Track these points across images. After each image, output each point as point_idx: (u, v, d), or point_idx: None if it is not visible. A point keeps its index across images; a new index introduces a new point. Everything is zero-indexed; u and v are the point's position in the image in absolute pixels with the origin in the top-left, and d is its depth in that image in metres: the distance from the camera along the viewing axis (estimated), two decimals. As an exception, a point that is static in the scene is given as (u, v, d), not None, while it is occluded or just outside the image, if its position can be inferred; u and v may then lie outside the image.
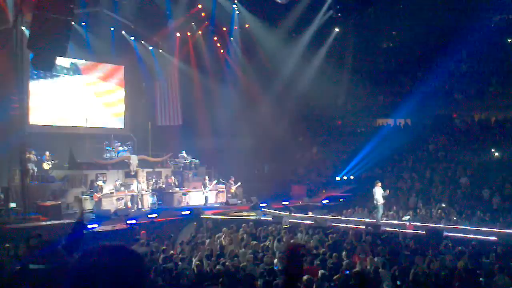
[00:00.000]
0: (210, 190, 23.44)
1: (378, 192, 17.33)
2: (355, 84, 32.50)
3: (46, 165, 19.97)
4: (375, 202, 17.60)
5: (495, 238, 13.76)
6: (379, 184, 17.53)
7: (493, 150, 24.84)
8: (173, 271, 10.59)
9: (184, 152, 25.01)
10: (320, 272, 9.65)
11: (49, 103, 23.74)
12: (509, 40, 30.83)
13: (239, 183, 24.66)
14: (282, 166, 30.38)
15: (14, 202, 17.52)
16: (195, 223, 18.15)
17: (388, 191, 17.67)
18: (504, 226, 16.67)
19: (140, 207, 20.75)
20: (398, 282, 9.53)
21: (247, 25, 28.91)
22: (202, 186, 23.31)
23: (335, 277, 9.33)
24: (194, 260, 11.73)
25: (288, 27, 28.33)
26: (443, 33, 29.82)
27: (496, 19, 31.60)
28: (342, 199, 23.12)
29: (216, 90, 29.20)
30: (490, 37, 29.37)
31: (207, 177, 23.96)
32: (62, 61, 22.54)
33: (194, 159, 25.32)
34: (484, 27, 28.69)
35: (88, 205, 19.47)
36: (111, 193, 20.55)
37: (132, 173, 22.32)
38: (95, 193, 19.67)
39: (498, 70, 29.18)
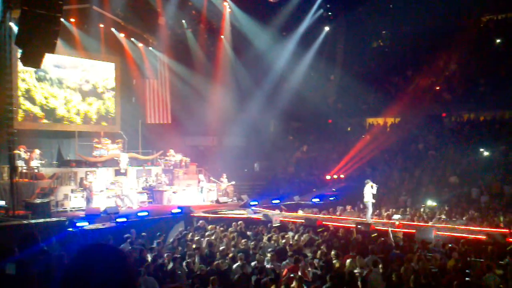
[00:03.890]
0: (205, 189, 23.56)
1: (368, 191, 17.43)
2: (346, 83, 32.59)
3: (35, 163, 19.79)
4: (364, 201, 17.70)
5: (484, 236, 13.85)
6: (369, 183, 17.60)
7: (482, 149, 25.05)
8: (164, 270, 10.54)
9: (172, 150, 24.91)
10: (307, 271, 9.68)
11: (38, 100, 23.54)
12: (498, 40, 31.08)
13: (233, 182, 24.67)
14: (272, 165, 30.42)
15: (2, 200, 17.36)
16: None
17: (375, 186, 17.59)
18: (493, 224, 16.79)
19: (130, 205, 20.64)
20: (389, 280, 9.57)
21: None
22: (199, 184, 23.38)
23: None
24: (184, 259, 11.70)
25: (279, 26, 28.35)
26: (433, 32, 29.99)
27: (485, 19, 31.87)
28: (332, 198, 23.18)
29: (207, 88, 29.14)
30: (479, 37, 29.61)
31: (201, 176, 23.97)
32: (51, 58, 22.32)
33: (184, 157, 25.23)
34: (473, 27, 28.93)
35: (79, 203, 19.41)
36: (101, 191, 20.43)
37: (122, 171, 22.19)
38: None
39: (487, 70, 29.39)
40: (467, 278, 9.68)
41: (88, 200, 19.30)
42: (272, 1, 25.10)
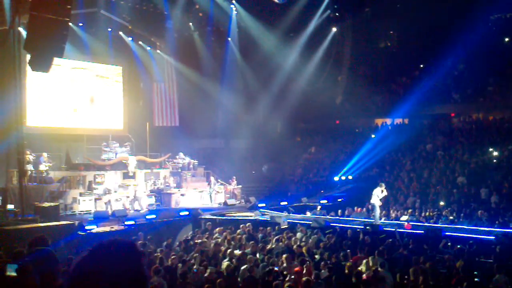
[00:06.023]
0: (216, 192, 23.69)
1: (376, 193, 17.27)
2: (353, 83, 32.51)
3: (43, 167, 19.92)
4: (371, 202, 17.61)
5: (493, 237, 13.76)
6: (382, 186, 17.40)
7: (491, 149, 24.86)
8: (172, 272, 10.57)
9: (181, 153, 25.00)
10: (315, 273, 9.66)
11: (46, 104, 23.70)
12: (507, 39, 30.87)
13: (240, 186, 24.76)
14: (280, 167, 30.39)
15: (12, 204, 17.48)
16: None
17: (385, 191, 17.50)
18: (502, 225, 16.68)
19: (138, 208, 20.71)
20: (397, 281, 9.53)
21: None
22: (208, 186, 23.74)
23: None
24: (192, 261, 11.72)
25: (286, 27, 28.32)
26: (441, 32, 29.83)
27: (493, 18, 31.66)
28: (340, 199, 23.12)
29: (214, 90, 29.19)
30: (487, 36, 29.41)
31: (212, 178, 24.12)
32: (59, 62, 22.47)
33: (192, 160, 25.31)
34: (481, 26, 28.74)
35: (88, 206, 19.51)
36: (115, 191, 20.66)
37: (130, 174, 22.29)
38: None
39: (496, 69, 29.19)
40: (476, 279, 9.61)
41: (107, 204, 19.52)
42: (279, 2, 25.06)
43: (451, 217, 18.26)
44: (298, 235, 14.90)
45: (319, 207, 21.45)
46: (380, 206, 17.68)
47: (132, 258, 1.85)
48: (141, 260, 1.89)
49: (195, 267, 11.20)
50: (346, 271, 10.09)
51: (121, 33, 26.28)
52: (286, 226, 16.50)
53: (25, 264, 4.03)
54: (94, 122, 25.53)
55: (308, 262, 10.54)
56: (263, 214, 19.39)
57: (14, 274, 4.20)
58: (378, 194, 17.19)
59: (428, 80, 30.10)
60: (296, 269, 10.32)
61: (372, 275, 9.50)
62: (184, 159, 24.87)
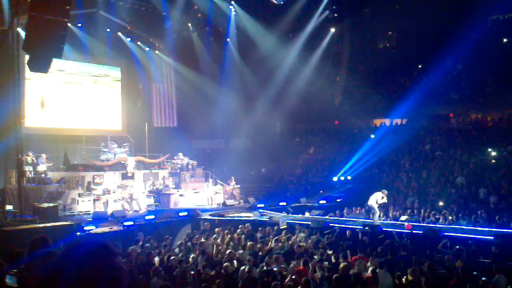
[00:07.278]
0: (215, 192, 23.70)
1: (376, 197, 17.17)
2: (352, 84, 32.54)
3: (42, 167, 19.89)
4: (368, 203, 17.54)
5: (492, 237, 13.77)
6: (384, 193, 17.26)
7: (489, 149, 24.92)
8: (171, 273, 10.56)
9: (181, 153, 24.97)
10: (320, 273, 9.67)
11: (45, 105, 23.66)
12: (505, 40, 30.91)
13: (239, 186, 24.73)
14: (279, 167, 30.40)
15: (10, 204, 17.45)
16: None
17: (385, 198, 17.36)
18: (501, 225, 16.70)
19: (137, 208, 20.68)
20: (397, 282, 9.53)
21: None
22: (206, 185, 23.80)
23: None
24: (191, 261, 11.72)
25: (285, 28, 28.32)
26: (439, 33, 29.88)
27: (492, 19, 31.71)
28: (339, 200, 23.12)
29: (213, 91, 29.19)
30: (486, 37, 29.47)
31: (211, 179, 24.09)
32: (58, 63, 22.44)
33: (191, 160, 25.28)
34: (480, 27, 28.80)
35: (87, 207, 19.47)
36: (114, 192, 20.65)
37: (129, 175, 22.26)
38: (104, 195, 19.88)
39: (494, 70, 29.25)
40: (478, 278, 9.61)
41: (106, 204, 19.49)
42: (277, 3, 25.04)
43: (450, 217, 18.27)
44: (300, 235, 14.90)
45: (312, 211, 21.40)
46: (378, 207, 17.64)
47: (103, 257, 1.85)
48: (112, 258, 1.87)
49: (193, 267, 11.19)
50: (345, 271, 10.09)
51: (120, 33, 26.25)
52: (285, 227, 16.49)
53: (23, 273, 4.02)
54: (93, 122, 25.49)
55: (312, 262, 10.55)
56: (262, 215, 19.39)
57: (15, 285, 4.18)
58: (378, 199, 17.07)
59: (427, 81, 30.17)
60: (298, 269, 10.33)
61: (371, 276, 9.50)
62: (183, 159, 24.82)
